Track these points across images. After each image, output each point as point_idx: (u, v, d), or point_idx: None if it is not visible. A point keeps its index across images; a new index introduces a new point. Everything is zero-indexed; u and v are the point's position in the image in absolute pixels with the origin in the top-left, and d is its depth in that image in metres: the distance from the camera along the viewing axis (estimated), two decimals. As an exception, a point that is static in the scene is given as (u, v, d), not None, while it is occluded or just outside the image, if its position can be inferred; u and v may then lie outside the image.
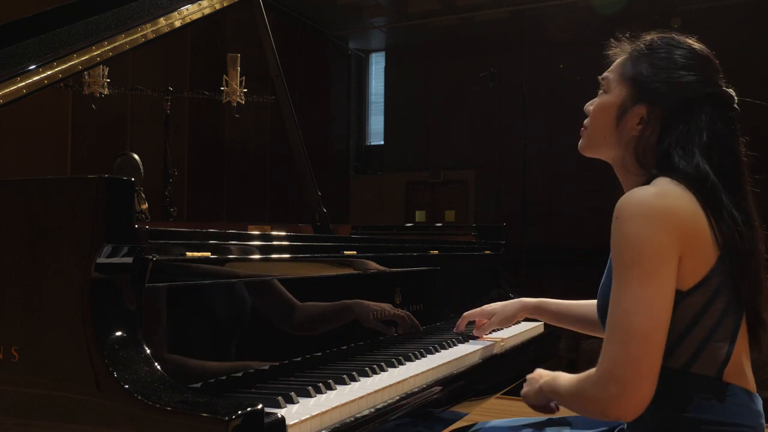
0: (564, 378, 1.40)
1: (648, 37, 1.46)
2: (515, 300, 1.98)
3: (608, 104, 1.45)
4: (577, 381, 1.33)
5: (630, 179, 1.42)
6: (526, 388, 1.53)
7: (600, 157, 1.50)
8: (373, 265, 1.81)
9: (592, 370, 1.27)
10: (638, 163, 1.39)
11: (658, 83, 1.38)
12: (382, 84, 12.24)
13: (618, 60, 1.48)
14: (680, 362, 1.26)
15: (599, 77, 1.51)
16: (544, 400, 1.49)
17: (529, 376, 1.55)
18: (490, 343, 1.94)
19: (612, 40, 1.51)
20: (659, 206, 1.25)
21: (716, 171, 1.31)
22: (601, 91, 1.49)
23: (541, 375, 1.51)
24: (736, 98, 1.40)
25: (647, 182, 1.33)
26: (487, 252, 2.55)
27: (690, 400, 1.26)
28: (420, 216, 11.38)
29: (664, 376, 1.24)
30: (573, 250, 9.71)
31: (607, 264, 1.41)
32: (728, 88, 1.40)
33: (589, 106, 1.50)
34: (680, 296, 1.25)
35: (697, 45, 1.43)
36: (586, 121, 1.51)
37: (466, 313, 2.02)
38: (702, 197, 1.28)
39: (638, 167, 1.39)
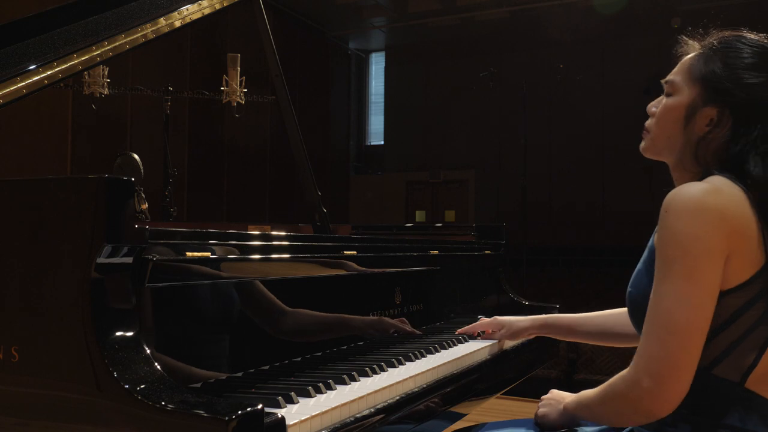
0: (590, 390, 1.38)
1: (721, 34, 1.39)
2: (527, 317, 1.97)
3: (676, 105, 1.37)
4: (607, 384, 1.31)
5: (686, 177, 1.36)
6: (544, 410, 1.50)
7: (662, 159, 1.43)
8: (373, 265, 1.81)
9: (626, 369, 1.26)
10: (697, 162, 1.34)
11: (732, 84, 1.31)
12: (382, 84, 12.26)
13: (685, 59, 1.41)
14: (704, 362, 1.23)
15: (662, 81, 1.43)
16: (568, 421, 1.46)
17: (544, 398, 1.52)
18: (490, 342, 1.94)
19: (681, 37, 1.44)
20: (709, 203, 1.21)
21: None
22: (664, 95, 1.42)
23: (561, 395, 1.49)
24: None
25: (701, 179, 1.29)
26: (487, 252, 2.55)
27: (708, 402, 1.24)
28: (420, 216, 11.40)
29: None
30: (573, 250, 9.73)
31: (644, 254, 1.37)
32: None
33: (653, 108, 1.43)
34: (719, 295, 1.22)
35: None
36: (648, 123, 1.44)
37: (476, 324, 2.01)
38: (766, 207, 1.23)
39: (696, 165, 1.34)
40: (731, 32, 1.39)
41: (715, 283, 1.21)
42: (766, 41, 1.36)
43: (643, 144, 1.45)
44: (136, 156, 3.21)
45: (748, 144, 1.29)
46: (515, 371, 2.04)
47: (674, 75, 1.41)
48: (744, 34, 1.37)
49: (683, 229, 1.21)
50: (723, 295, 1.22)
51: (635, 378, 1.22)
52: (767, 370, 1.25)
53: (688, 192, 1.23)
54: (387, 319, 1.82)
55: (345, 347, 1.64)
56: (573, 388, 1.45)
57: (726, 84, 1.32)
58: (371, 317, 1.77)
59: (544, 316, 1.94)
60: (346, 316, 1.68)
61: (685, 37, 1.43)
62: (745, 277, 1.22)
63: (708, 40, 1.39)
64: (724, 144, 1.31)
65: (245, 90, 4.31)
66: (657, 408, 1.21)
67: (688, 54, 1.41)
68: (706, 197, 1.21)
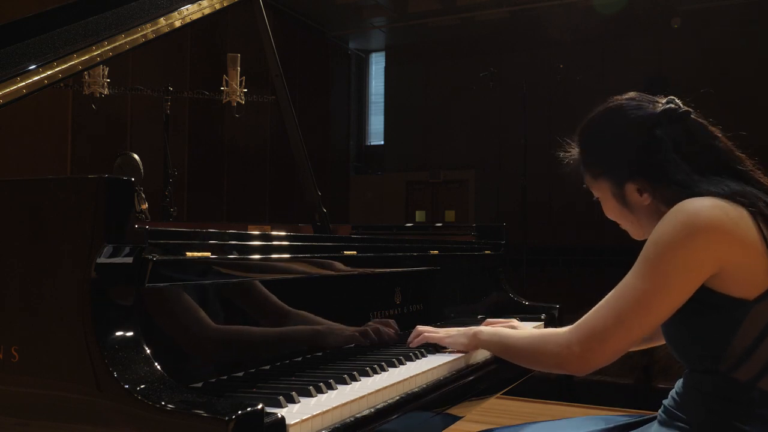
0: (514, 332, 1.56)
1: (578, 130, 1.52)
2: (539, 326, 1.97)
3: (608, 205, 1.48)
4: (540, 335, 1.43)
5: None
6: (450, 339, 1.68)
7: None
8: (373, 265, 1.81)
9: (563, 329, 1.37)
10: (665, 207, 1.34)
11: (616, 157, 1.41)
12: (382, 84, 12.26)
13: (582, 169, 1.52)
14: (748, 375, 1.24)
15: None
16: (471, 347, 1.66)
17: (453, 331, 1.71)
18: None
19: (562, 150, 1.58)
20: (707, 217, 1.23)
21: (726, 171, 1.32)
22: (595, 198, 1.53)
23: (468, 329, 1.67)
24: (677, 104, 1.39)
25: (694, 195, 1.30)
26: (487, 252, 2.55)
27: (751, 414, 1.23)
28: (420, 216, 11.40)
29: (731, 387, 1.24)
30: (573, 250, 9.72)
31: None
32: (666, 104, 1.40)
33: (608, 215, 1.52)
34: (747, 305, 1.22)
35: (612, 101, 1.46)
36: (617, 222, 1.52)
37: (488, 321, 2.00)
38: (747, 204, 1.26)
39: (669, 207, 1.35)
40: (586, 121, 1.50)
41: (679, 292, 1.24)
42: (608, 103, 1.47)
43: (634, 236, 1.50)
44: (136, 156, 3.21)
45: (677, 170, 1.33)
46: (516, 371, 2.04)
47: (588, 184, 1.53)
48: (592, 114, 1.48)
49: (668, 235, 1.24)
50: (752, 303, 1.22)
51: (569, 341, 1.33)
52: None
53: (691, 205, 1.26)
54: (385, 329, 1.81)
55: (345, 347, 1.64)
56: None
57: (613, 162, 1.42)
58: (372, 324, 1.77)
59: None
60: (346, 327, 1.68)
61: (564, 147, 1.57)
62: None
63: (577, 142, 1.53)
64: (665, 189, 1.35)
65: (245, 90, 4.31)
66: (575, 370, 1.34)
67: (574, 158, 1.55)
68: (704, 212, 1.24)
